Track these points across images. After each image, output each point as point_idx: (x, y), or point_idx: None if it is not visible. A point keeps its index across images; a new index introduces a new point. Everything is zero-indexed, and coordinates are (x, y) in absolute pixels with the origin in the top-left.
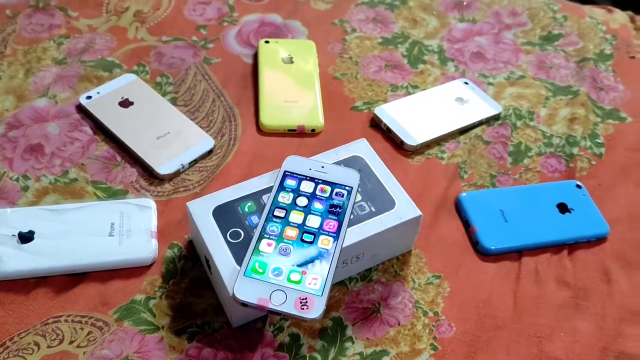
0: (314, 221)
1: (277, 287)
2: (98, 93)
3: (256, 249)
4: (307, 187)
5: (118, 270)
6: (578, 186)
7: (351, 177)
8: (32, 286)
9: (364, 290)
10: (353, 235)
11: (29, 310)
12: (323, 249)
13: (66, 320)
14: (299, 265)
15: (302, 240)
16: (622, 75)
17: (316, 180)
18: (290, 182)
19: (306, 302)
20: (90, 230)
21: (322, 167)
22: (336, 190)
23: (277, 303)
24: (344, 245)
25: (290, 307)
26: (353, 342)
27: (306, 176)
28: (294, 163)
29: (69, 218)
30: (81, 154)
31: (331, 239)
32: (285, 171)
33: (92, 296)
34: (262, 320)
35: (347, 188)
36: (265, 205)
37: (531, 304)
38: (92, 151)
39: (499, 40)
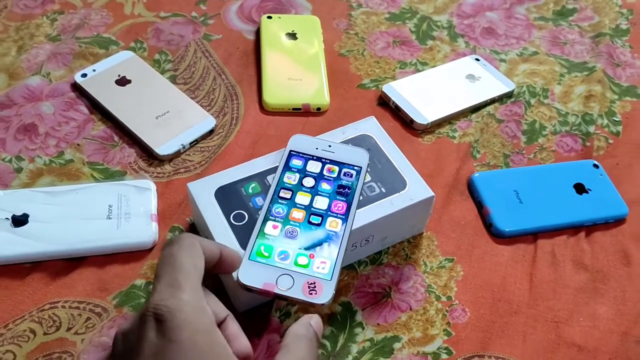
0: (321, 202)
1: (283, 271)
2: (94, 71)
3: (261, 232)
4: (313, 167)
5: (117, 255)
6: (595, 166)
7: (360, 157)
8: (27, 271)
9: (374, 274)
10: (362, 217)
11: (24, 296)
12: (331, 231)
13: (63, 306)
14: (307, 249)
15: (310, 223)
16: (639, 51)
17: (323, 160)
18: (297, 162)
19: (314, 286)
20: (87, 214)
21: (330, 146)
22: (344, 170)
23: (283, 288)
24: (353, 228)
25: (297, 292)
26: (363, 328)
27: (313, 156)
28: (299, 142)
29: (65, 201)
30: (77, 134)
31: (340, 221)
32: (290, 150)
33: (90, 281)
34: (268, 306)
35: (355, 168)
36: (270, 186)
37: (548, 288)
38: (89, 131)
39: (511, 15)
